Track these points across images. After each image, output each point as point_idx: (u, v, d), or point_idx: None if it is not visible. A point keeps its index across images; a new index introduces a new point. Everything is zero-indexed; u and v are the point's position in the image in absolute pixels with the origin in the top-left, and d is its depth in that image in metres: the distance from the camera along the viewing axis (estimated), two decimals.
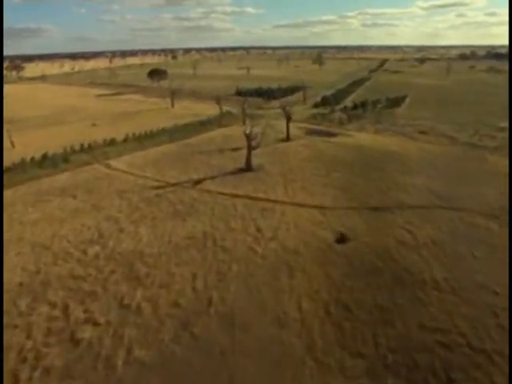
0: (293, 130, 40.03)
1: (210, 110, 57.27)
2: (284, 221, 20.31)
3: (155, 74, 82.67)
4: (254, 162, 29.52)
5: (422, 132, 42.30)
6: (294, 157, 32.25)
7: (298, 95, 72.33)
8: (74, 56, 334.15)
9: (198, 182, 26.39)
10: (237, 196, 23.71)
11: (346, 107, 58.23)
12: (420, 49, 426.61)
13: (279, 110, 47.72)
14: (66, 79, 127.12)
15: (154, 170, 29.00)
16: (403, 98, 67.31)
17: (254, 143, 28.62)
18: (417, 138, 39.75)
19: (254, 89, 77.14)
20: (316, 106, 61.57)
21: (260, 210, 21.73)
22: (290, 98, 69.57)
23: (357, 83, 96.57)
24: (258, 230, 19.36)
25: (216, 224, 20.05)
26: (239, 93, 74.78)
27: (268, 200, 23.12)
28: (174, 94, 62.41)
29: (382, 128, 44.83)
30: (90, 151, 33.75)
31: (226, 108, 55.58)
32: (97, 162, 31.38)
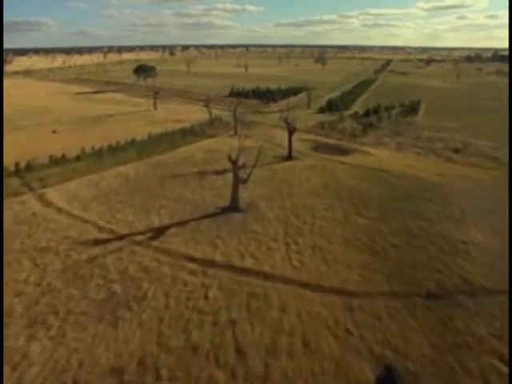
0: (296, 143, 31.77)
1: (197, 113, 49.01)
2: (285, 329, 11.96)
3: (142, 70, 73.97)
4: (244, 195, 21.28)
5: (455, 150, 34.05)
6: (299, 187, 23.93)
7: (300, 97, 64.04)
8: (69, 50, 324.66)
9: (159, 232, 18.02)
10: (211, 265, 15.36)
11: (356, 113, 49.90)
12: (422, 50, 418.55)
13: (278, 115, 39.28)
14: (51, 74, 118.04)
15: (103, 208, 20.61)
16: (418, 104, 59.06)
17: (243, 172, 20.29)
18: (453, 159, 31.47)
19: (250, 89, 68.59)
20: (321, 110, 53.28)
21: (246, 296, 13.40)
22: (291, 101, 61.15)
23: (363, 84, 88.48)
24: (240, 352, 11.01)
25: (168, 334, 11.69)
26: (234, 93, 66.33)
27: (259, 273, 14.79)
28: (158, 94, 53.89)
29: (404, 143, 36.55)
30: (26, 174, 25.32)
31: (216, 112, 47.19)
32: (30, 191, 22.98)
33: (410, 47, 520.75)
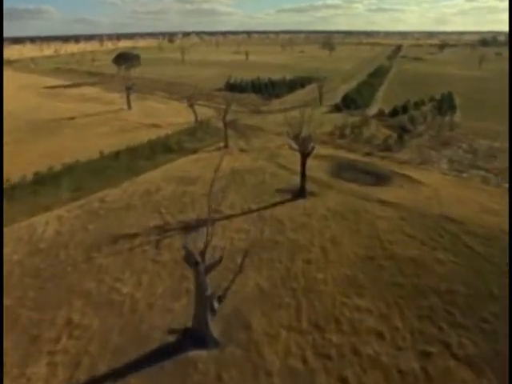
0: (309, 164, 21.47)
1: (182, 114, 38.93)
2: None
3: (123, 59, 63.37)
4: (221, 294, 11.33)
5: None
6: (323, 264, 13.89)
7: (309, 90, 53.50)
8: (68, 38, 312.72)
9: None
10: None
11: (382, 113, 39.42)
12: (428, 35, 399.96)
13: (286, 128, 28.83)
14: (32, 64, 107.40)
15: None
16: (450, 97, 48.21)
17: (212, 281, 10.31)
18: None
19: (250, 81, 57.97)
20: (337, 108, 42.71)
21: None
22: (298, 95, 50.66)
23: (378, 73, 77.35)
24: None
25: None
26: (230, 86, 55.86)
27: None
28: (132, 89, 43.49)
29: (458, 160, 26.36)
30: None
31: (205, 112, 37.14)
32: None
33: (415, 32, 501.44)
